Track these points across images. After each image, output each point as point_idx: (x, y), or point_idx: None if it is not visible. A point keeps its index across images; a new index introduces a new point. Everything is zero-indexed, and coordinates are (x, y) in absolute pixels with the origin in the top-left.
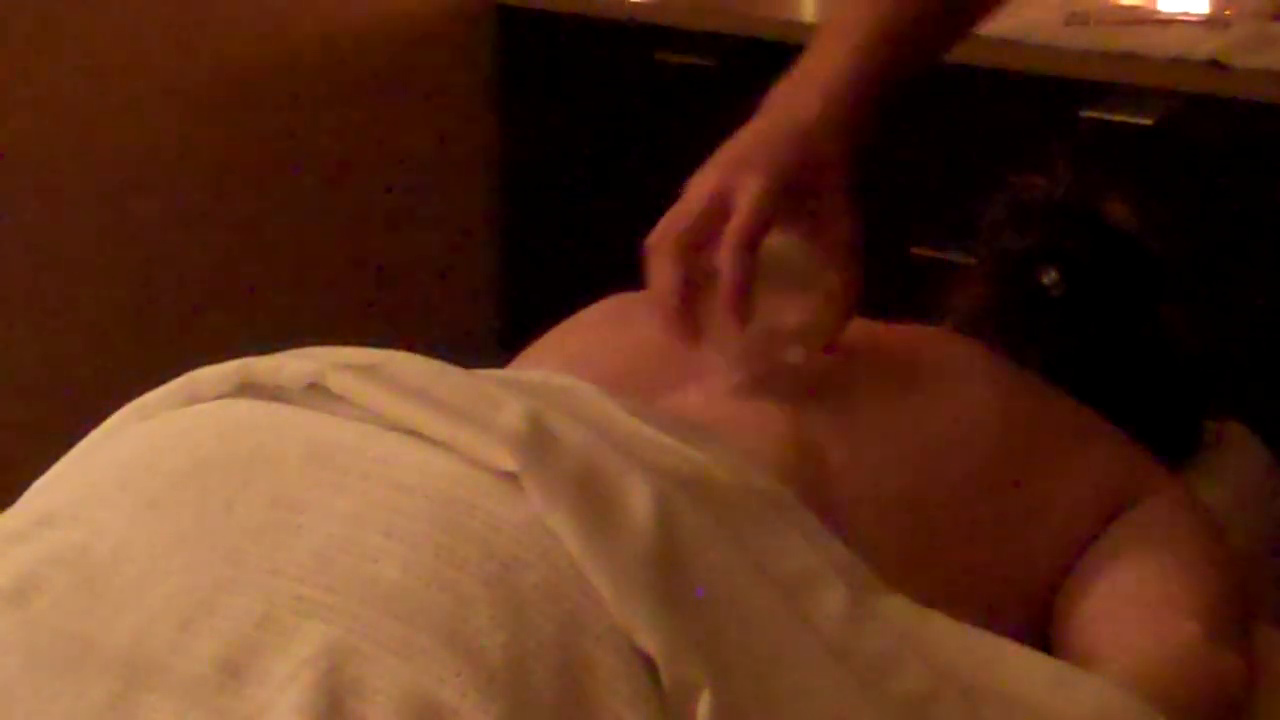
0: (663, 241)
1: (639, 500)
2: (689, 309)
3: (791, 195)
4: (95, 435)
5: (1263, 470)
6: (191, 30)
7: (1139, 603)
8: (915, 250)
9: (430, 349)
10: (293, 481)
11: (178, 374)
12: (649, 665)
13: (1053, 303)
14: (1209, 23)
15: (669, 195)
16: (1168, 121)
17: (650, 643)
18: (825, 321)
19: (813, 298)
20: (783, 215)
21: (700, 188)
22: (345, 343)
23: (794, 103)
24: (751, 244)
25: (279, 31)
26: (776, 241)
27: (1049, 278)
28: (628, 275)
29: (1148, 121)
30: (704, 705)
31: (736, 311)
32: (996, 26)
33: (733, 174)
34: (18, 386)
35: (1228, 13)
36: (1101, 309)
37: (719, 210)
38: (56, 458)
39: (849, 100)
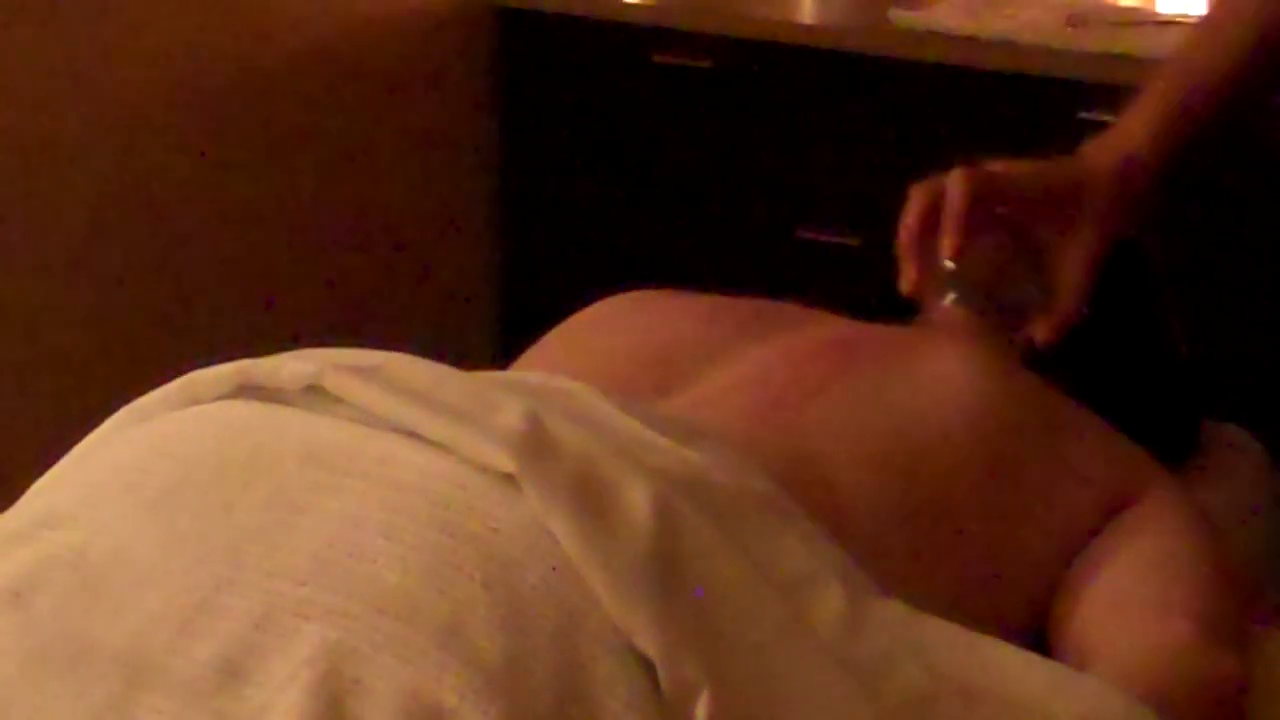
0: (927, 186)
1: (637, 502)
2: (918, 244)
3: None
4: (94, 437)
5: (1260, 472)
6: (192, 31)
7: (1136, 604)
8: None
9: (430, 349)
10: (292, 483)
11: (176, 374)
12: (648, 666)
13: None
14: None
15: (666, 194)
16: None
17: (649, 644)
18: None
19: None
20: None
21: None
22: (345, 343)
23: (1086, 152)
24: (982, 190)
25: (279, 33)
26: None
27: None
28: (627, 275)
29: None
30: (702, 707)
31: (953, 233)
32: (996, 28)
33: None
34: (17, 387)
35: None
36: (1099, 310)
37: (983, 192)
38: (56, 459)
39: (1145, 153)
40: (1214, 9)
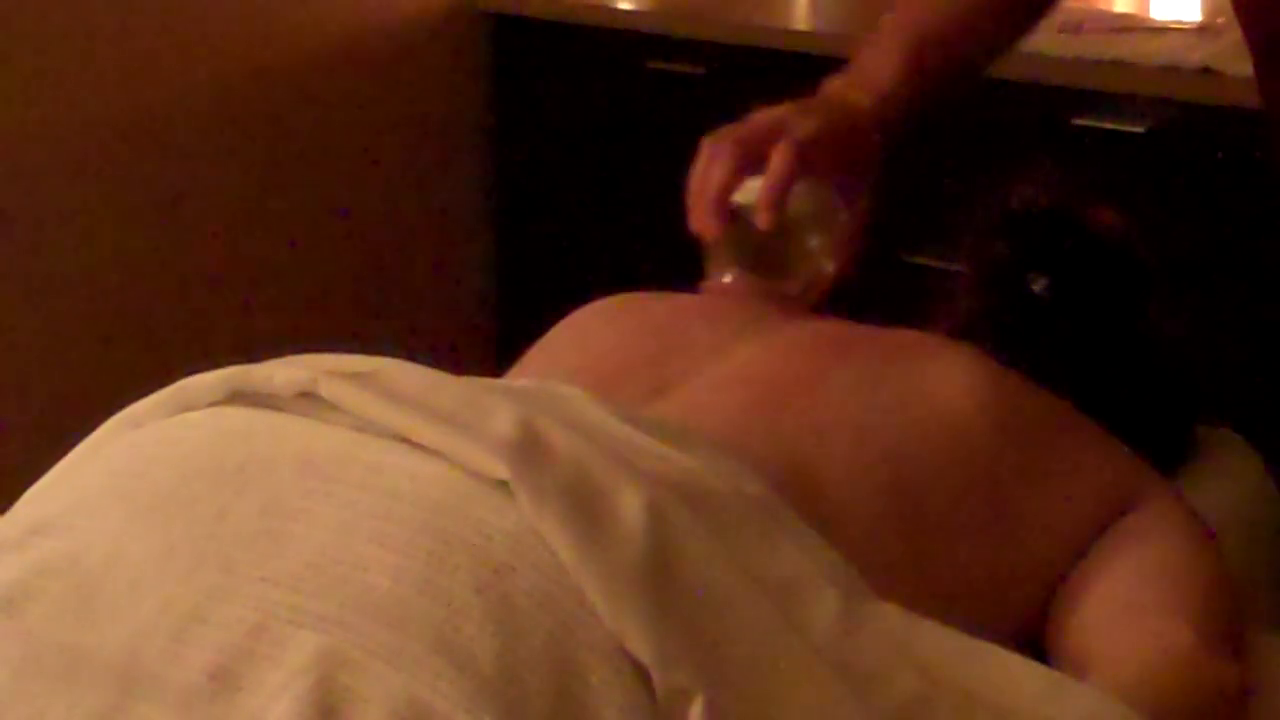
0: (721, 139)
1: (630, 507)
2: (724, 201)
3: (833, 147)
4: (86, 444)
5: (1256, 477)
6: (189, 37)
7: (1134, 610)
8: (908, 257)
9: (425, 354)
10: (285, 490)
11: (171, 378)
12: (641, 673)
13: (1043, 309)
14: (1201, 30)
15: (660, 200)
16: (1159, 129)
17: (642, 650)
18: (828, 261)
19: (827, 236)
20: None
21: (762, 115)
22: (339, 347)
23: (848, 96)
24: (801, 155)
25: (271, 39)
26: (809, 182)
27: (1039, 285)
28: (621, 279)
29: (1139, 129)
30: (696, 713)
31: (774, 201)
32: None
33: (794, 114)
34: (14, 393)
35: (1219, 20)
36: (1091, 315)
37: (775, 133)
38: (48, 466)
39: (894, 101)
40: None
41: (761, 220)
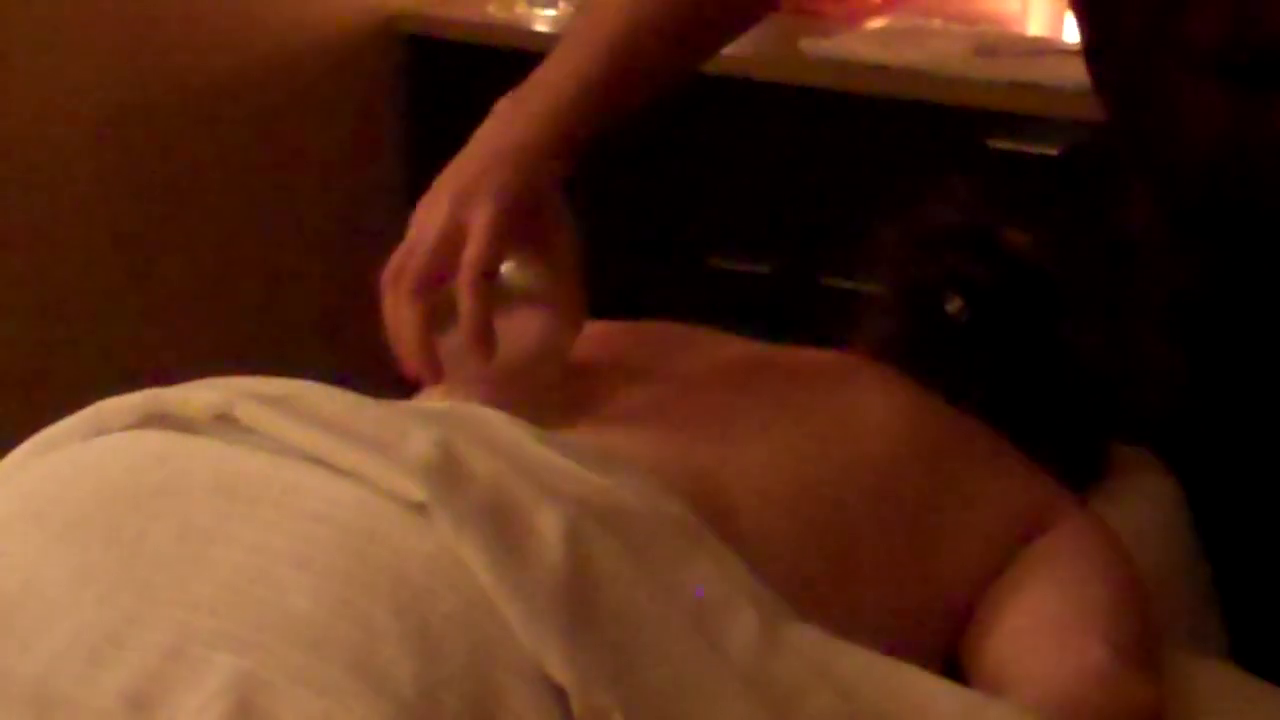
0: (399, 279)
1: (549, 529)
2: (431, 347)
3: (517, 215)
4: (0, 468)
5: (1171, 496)
6: (101, 55)
7: (1051, 629)
8: (826, 280)
9: (340, 375)
10: (202, 513)
11: (84, 402)
12: (560, 695)
13: (957, 330)
14: None
15: (577, 220)
16: (1073, 151)
17: (561, 673)
18: (563, 337)
19: (550, 316)
20: (511, 237)
21: (429, 221)
22: (253, 369)
23: (516, 120)
24: (489, 273)
25: (188, 57)
26: (508, 267)
27: (953, 305)
28: None
29: (1053, 151)
30: None
31: (483, 343)
32: (906, 58)
33: (461, 205)
34: None
35: None
36: (1005, 336)
37: (451, 242)
38: None
39: (571, 118)
40: None
41: (478, 362)
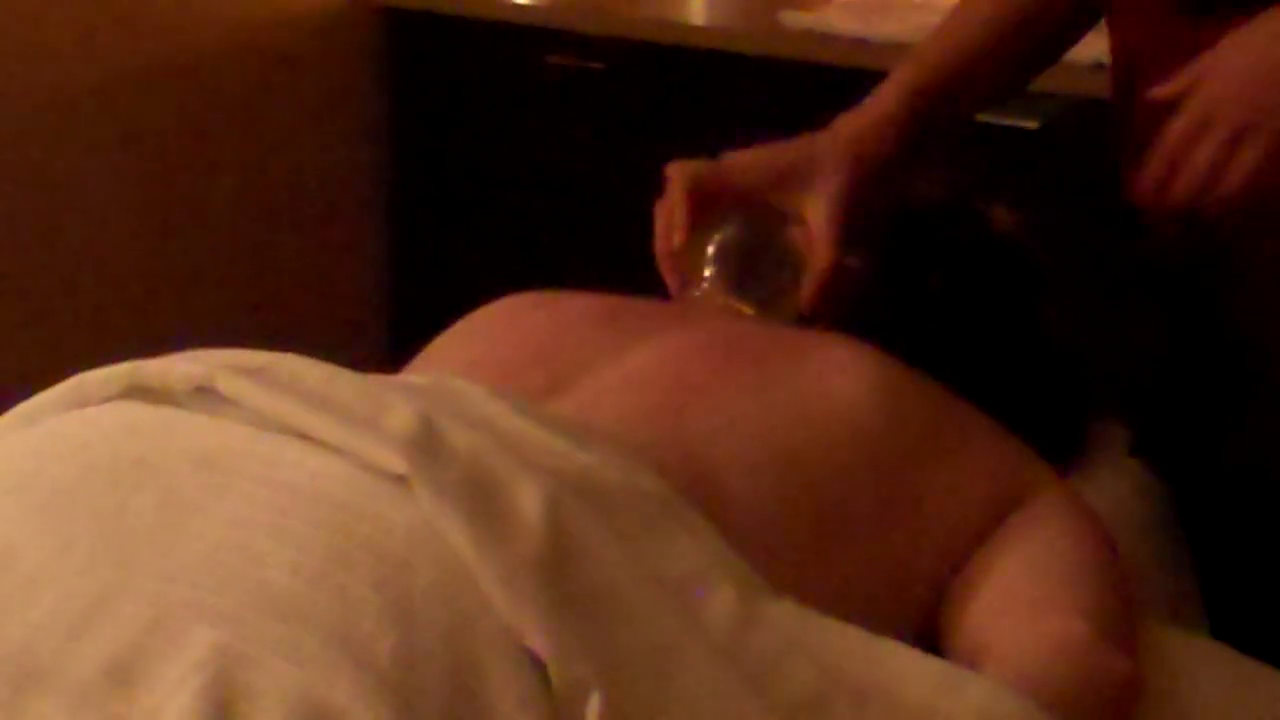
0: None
1: (529, 503)
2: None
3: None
4: None
5: (1143, 471)
6: (77, 31)
7: (1027, 603)
8: None
9: (318, 350)
10: (183, 485)
11: (63, 375)
12: (539, 667)
13: (938, 305)
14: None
15: (560, 195)
16: (1052, 124)
17: (540, 644)
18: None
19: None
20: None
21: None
22: (233, 343)
23: (845, 129)
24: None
25: (166, 32)
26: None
27: (934, 280)
28: (520, 275)
29: (1032, 125)
30: (593, 706)
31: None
32: (885, 31)
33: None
34: None
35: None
36: (985, 311)
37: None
38: None
39: (876, 137)
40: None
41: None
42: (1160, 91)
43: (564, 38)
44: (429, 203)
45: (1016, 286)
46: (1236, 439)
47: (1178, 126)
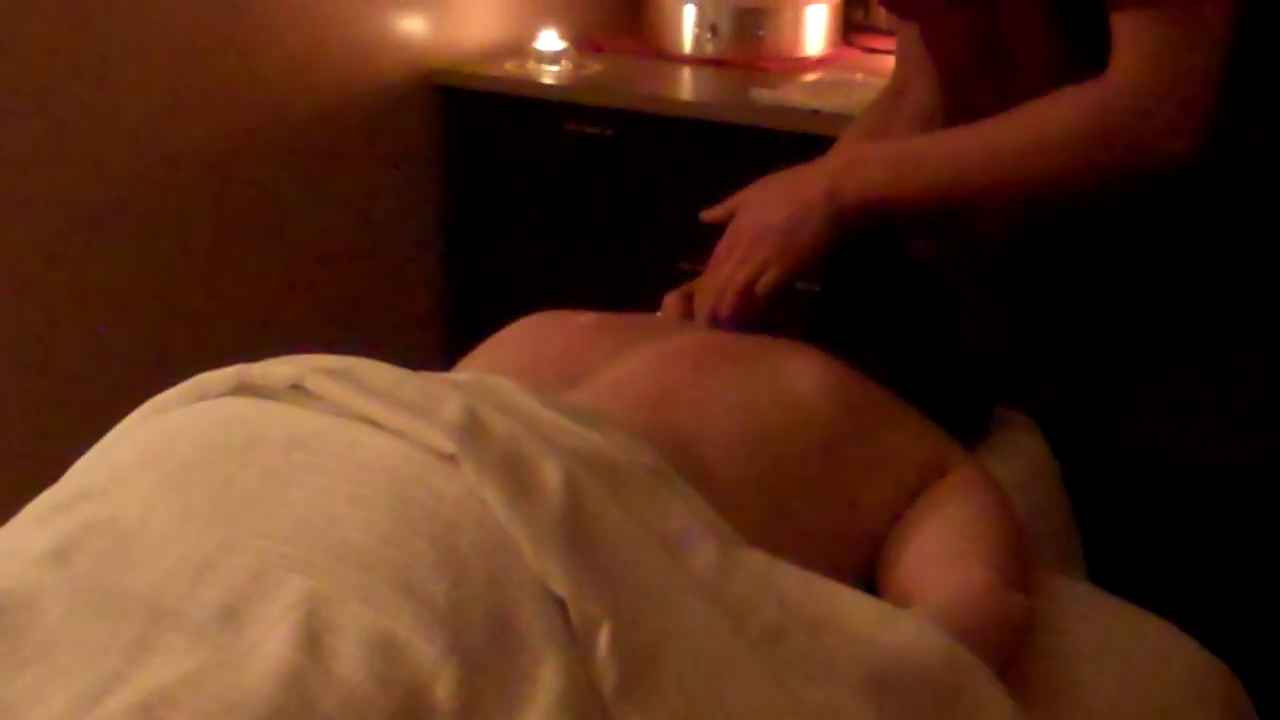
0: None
1: (552, 476)
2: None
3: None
4: (122, 426)
5: (1041, 449)
6: (168, 108)
7: (945, 556)
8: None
9: (387, 358)
10: (279, 463)
11: (182, 377)
12: (561, 605)
13: (872, 320)
14: None
15: (576, 236)
16: None
17: (562, 587)
18: None
19: None
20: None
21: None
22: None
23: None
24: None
25: (243, 108)
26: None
27: (868, 301)
28: (548, 297)
29: None
30: (604, 636)
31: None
32: (835, 104)
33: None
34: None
35: None
36: (908, 324)
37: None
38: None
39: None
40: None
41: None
42: (708, 215)
43: (581, 109)
44: (475, 242)
45: (933, 305)
46: (1119, 420)
47: (716, 249)
